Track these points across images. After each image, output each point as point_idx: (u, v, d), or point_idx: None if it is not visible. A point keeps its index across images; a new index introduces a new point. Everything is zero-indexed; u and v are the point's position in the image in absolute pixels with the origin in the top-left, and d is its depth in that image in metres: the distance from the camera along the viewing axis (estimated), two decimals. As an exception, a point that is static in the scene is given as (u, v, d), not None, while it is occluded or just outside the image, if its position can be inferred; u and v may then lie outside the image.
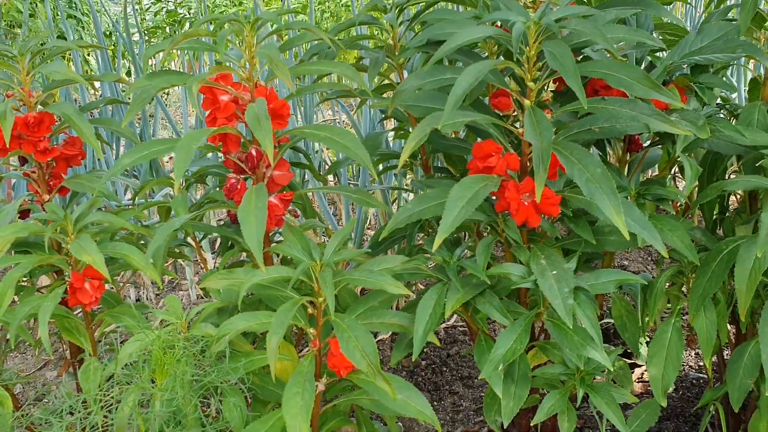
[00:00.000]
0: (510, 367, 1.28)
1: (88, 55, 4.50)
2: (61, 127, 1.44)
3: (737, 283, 1.17)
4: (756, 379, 1.29)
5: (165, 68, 4.21)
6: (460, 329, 2.27)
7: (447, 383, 2.04)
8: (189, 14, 5.93)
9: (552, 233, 1.29)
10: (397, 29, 1.56)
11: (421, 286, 2.26)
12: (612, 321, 1.65)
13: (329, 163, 2.95)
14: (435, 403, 1.95)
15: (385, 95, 1.64)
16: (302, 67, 1.36)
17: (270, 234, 1.40)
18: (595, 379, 1.31)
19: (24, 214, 1.49)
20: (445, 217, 1.11)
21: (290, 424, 1.10)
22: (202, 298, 2.52)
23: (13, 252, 1.40)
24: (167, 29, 5.71)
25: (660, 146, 1.49)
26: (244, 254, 1.52)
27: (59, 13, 3.18)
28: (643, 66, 1.45)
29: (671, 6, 2.41)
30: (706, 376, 1.93)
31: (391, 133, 2.04)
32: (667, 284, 1.42)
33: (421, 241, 1.65)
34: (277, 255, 1.55)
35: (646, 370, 1.70)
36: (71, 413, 1.06)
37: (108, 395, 1.08)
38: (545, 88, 1.43)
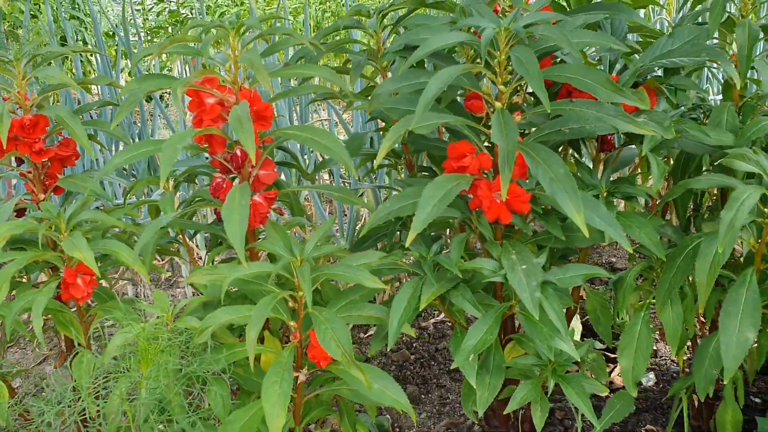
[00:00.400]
0: (485, 359, 1.33)
1: (91, 55, 4.56)
2: (56, 129, 1.50)
3: (697, 277, 1.21)
4: (721, 369, 1.34)
5: (168, 69, 4.26)
6: (449, 324, 2.32)
7: (435, 377, 2.09)
8: (191, 14, 5.99)
9: (525, 229, 1.34)
10: (380, 34, 1.62)
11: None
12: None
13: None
14: (423, 395, 2.00)
15: (369, 97, 1.69)
16: (286, 70, 1.41)
17: (258, 231, 1.46)
18: (569, 371, 1.35)
19: (21, 212, 1.56)
20: (418, 215, 1.16)
21: (269, 412, 1.16)
22: (198, 294, 2.57)
23: (9, 249, 1.46)
24: (169, 29, 5.78)
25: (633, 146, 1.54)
26: (234, 251, 1.57)
27: (61, 14, 3.23)
28: (616, 68, 1.50)
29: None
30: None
31: (380, 133, 2.10)
32: (640, 279, 1.47)
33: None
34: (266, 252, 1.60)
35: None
36: (59, 402, 1.11)
37: (96, 384, 1.14)
38: (524, 89, 1.48)
